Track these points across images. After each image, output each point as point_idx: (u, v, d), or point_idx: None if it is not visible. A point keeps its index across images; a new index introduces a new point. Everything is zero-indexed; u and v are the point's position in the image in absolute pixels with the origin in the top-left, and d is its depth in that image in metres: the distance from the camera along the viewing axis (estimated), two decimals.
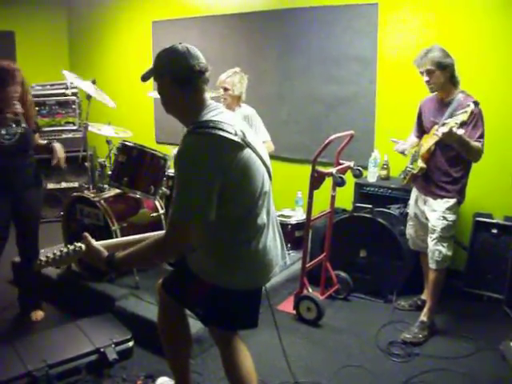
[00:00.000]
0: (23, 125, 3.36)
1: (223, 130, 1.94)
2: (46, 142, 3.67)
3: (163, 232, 2.03)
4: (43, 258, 2.06)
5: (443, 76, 3.21)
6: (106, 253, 2.07)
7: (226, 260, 2.11)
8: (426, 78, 3.28)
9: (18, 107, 3.30)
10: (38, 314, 3.74)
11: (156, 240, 2.01)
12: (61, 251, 2.07)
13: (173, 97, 2.06)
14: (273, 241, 2.21)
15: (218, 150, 1.92)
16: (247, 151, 2.00)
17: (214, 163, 1.90)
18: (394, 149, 3.65)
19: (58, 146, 3.58)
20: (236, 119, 2.11)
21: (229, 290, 2.14)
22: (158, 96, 2.14)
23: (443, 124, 3.07)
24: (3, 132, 3.28)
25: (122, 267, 2.10)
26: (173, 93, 2.04)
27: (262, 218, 2.12)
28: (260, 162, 2.10)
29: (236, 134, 1.97)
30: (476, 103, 2.99)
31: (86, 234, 2.11)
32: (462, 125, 2.98)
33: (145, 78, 2.14)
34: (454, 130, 2.92)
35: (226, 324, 2.30)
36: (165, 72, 2.03)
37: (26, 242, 3.63)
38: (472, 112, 2.96)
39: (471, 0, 4.05)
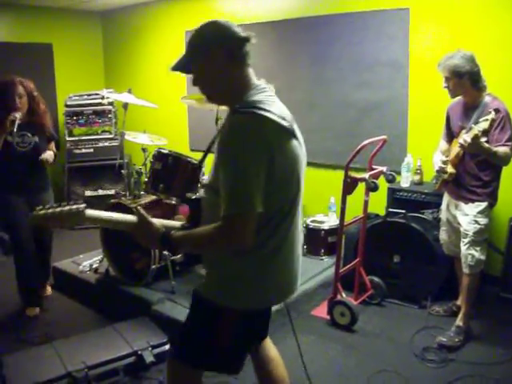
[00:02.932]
0: (36, 137, 3.77)
1: (272, 113, 1.75)
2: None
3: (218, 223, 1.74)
4: (41, 212, 1.89)
5: (461, 83, 3.20)
6: (162, 229, 1.87)
7: (257, 270, 1.86)
8: (444, 84, 3.29)
9: (16, 115, 3.58)
10: (32, 311, 3.93)
11: (216, 230, 1.74)
12: (59, 206, 1.90)
13: (222, 73, 1.85)
14: (298, 249, 2.02)
15: (267, 133, 1.72)
16: (294, 141, 1.83)
17: (263, 147, 1.70)
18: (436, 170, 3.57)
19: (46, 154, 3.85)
20: (281, 104, 1.92)
21: (254, 311, 1.95)
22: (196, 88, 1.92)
23: (469, 129, 3.07)
24: (19, 140, 3.67)
25: (177, 247, 1.88)
26: (222, 68, 1.84)
27: (295, 220, 1.93)
28: (304, 156, 1.93)
29: (284, 120, 1.79)
30: (497, 110, 2.97)
31: (139, 208, 1.95)
32: (485, 133, 2.97)
33: (180, 66, 1.92)
34: (478, 139, 2.93)
35: (250, 344, 2.18)
36: (216, 44, 1.83)
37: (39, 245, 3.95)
38: (493, 120, 2.94)
39: (502, 6, 4.01)
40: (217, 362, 2.02)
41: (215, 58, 1.83)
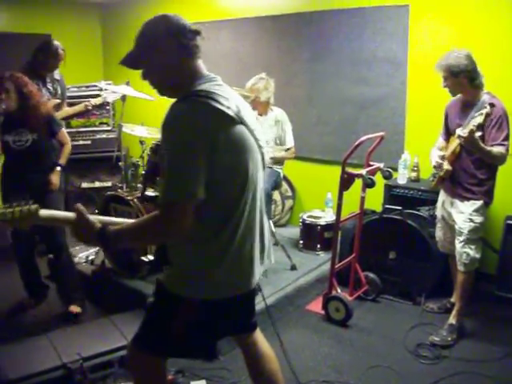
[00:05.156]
0: (35, 134, 3.60)
1: (215, 101, 1.74)
2: None
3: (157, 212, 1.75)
4: None
5: (458, 82, 3.22)
6: (98, 225, 1.83)
7: (209, 261, 1.85)
8: (443, 84, 3.31)
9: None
10: (73, 308, 3.78)
11: (153, 219, 1.76)
12: (10, 207, 1.84)
13: (173, 66, 1.85)
14: (260, 240, 1.99)
15: (207, 120, 1.72)
16: (240, 128, 1.81)
17: (203, 134, 1.69)
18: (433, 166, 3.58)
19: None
20: (234, 94, 1.91)
21: (215, 302, 1.90)
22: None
23: (465, 125, 3.08)
24: (15, 138, 3.57)
25: (114, 242, 1.81)
26: (173, 61, 1.84)
27: (249, 210, 1.89)
28: (255, 144, 1.89)
29: (229, 108, 1.77)
30: (492, 105, 2.98)
31: (79, 205, 1.88)
32: (479, 127, 2.98)
33: (129, 61, 1.95)
34: (473, 133, 2.94)
35: (223, 335, 2.19)
36: (167, 37, 1.82)
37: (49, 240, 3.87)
38: (488, 114, 2.95)
39: (502, 3, 4.01)
40: (177, 350, 2.02)
41: (167, 51, 1.83)
